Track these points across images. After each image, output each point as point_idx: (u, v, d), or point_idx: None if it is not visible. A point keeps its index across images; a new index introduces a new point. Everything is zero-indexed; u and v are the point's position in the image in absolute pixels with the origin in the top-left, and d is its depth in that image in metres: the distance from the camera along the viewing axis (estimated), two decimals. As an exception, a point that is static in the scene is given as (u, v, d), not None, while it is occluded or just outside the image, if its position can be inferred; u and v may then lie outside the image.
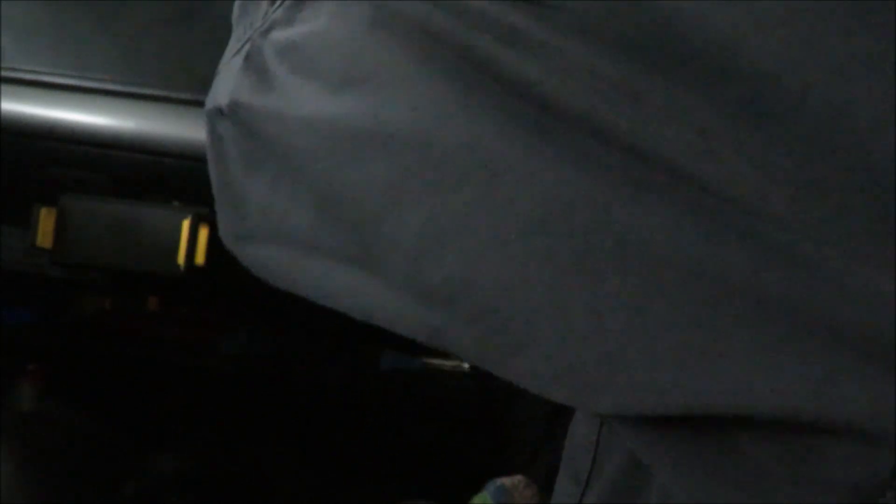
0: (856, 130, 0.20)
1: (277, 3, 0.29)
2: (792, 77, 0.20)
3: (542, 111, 0.22)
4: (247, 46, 0.31)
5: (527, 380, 0.25)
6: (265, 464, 1.02)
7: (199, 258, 0.73)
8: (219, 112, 0.33)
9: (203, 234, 0.73)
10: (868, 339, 0.20)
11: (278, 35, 0.29)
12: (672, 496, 0.31)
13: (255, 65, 0.30)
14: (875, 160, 0.20)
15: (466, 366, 1.01)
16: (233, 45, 0.33)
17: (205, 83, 0.75)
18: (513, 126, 0.22)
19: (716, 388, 0.21)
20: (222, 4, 0.77)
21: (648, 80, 0.21)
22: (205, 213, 0.73)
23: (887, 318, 0.20)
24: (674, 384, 0.22)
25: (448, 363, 1.00)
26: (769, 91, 0.21)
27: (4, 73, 0.73)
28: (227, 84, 0.32)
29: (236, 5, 0.34)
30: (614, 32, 0.22)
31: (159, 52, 0.74)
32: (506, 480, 0.73)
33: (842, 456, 0.21)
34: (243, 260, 0.35)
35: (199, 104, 0.73)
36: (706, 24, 0.21)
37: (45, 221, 0.73)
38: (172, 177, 0.76)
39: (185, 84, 0.73)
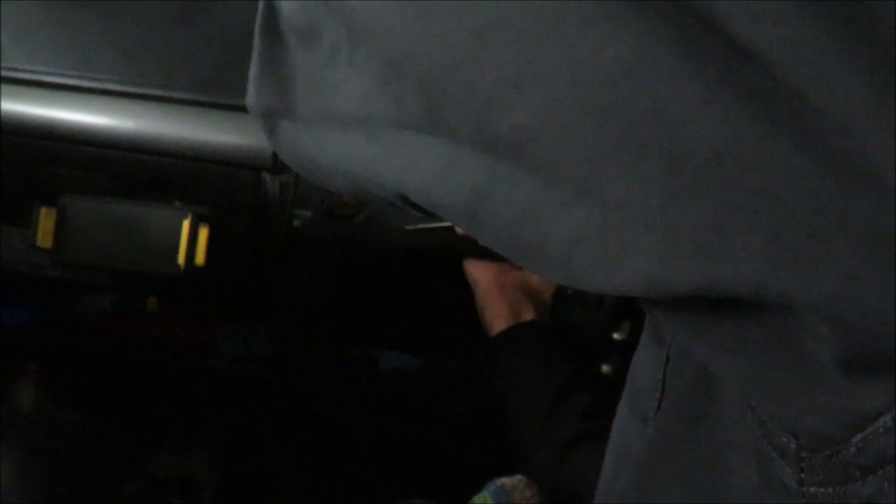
0: None
1: None
2: None
3: None
4: None
5: (566, 249, 0.25)
6: (265, 464, 1.02)
7: (199, 258, 0.73)
8: None
9: (203, 234, 0.73)
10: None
11: None
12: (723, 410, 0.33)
13: None
14: None
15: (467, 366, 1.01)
16: None
17: (205, 83, 0.76)
18: None
19: (728, 273, 0.23)
20: (223, 4, 0.77)
21: None
22: (205, 213, 0.74)
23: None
24: (692, 268, 0.23)
25: (447, 363, 1.00)
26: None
27: (4, 73, 0.73)
28: None
29: None
30: None
31: (160, 51, 0.74)
32: (506, 480, 0.73)
33: (816, 335, 0.23)
34: (271, 137, 0.35)
35: (200, 104, 0.74)
36: None
37: (45, 221, 0.73)
38: (172, 177, 0.76)
39: (186, 84, 0.74)
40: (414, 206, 0.31)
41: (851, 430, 0.24)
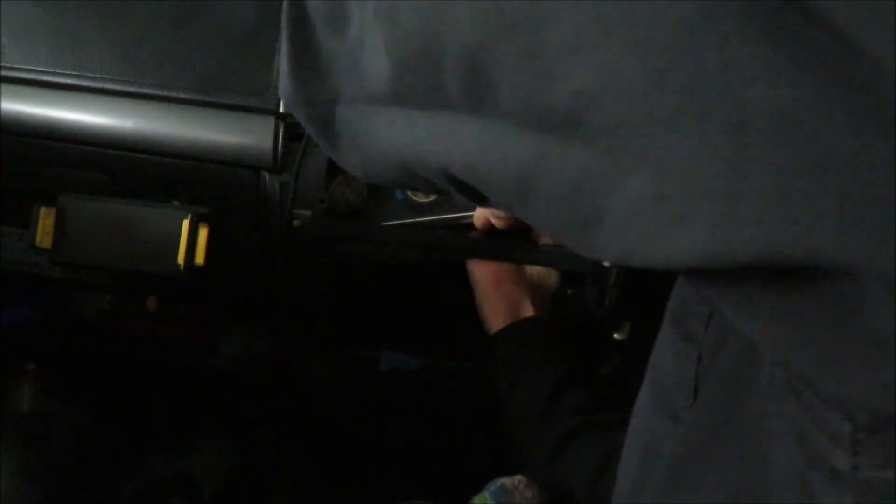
0: None
1: None
2: None
3: None
4: None
5: (623, 220, 0.24)
6: (265, 464, 1.02)
7: (199, 258, 0.73)
8: None
9: (203, 233, 0.73)
10: None
11: None
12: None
13: None
14: None
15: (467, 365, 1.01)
16: None
17: (205, 83, 0.75)
18: None
19: (793, 241, 0.22)
20: (222, 4, 0.77)
21: None
22: (205, 213, 0.74)
23: None
24: (755, 233, 0.22)
25: (447, 363, 1.00)
26: None
27: (4, 73, 0.73)
28: None
29: None
30: None
31: (160, 51, 0.74)
32: (506, 480, 0.73)
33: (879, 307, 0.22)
34: (311, 125, 0.35)
35: (199, 104, 0.74)
36: None
37: (45, 221, 0.73)
38: (172, 177, 0.76)
39: (185, 84, 0.73)
40: (462, 188, 0.30)
41: None
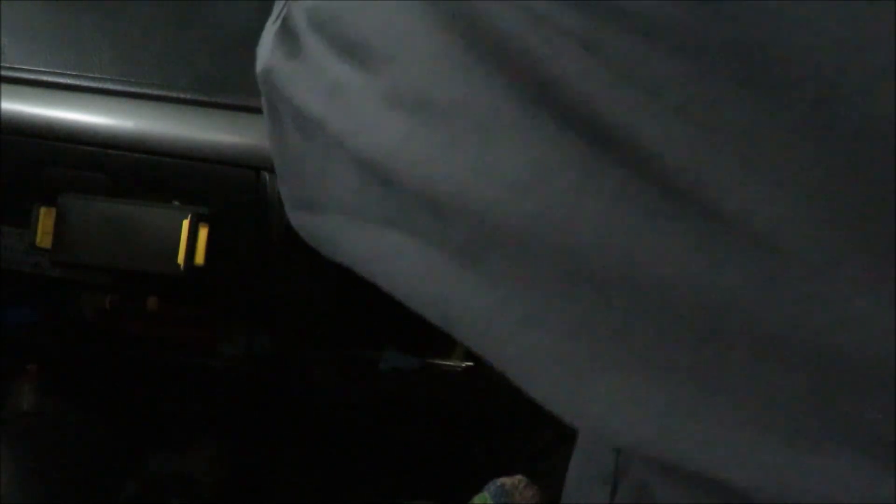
0: None
1: None
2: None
3: (538, 84, 0.21)
4: (283, 10, 0.31)
5: (524, 369, 0.24)
6: (265, 464, 1.02)
7: (199, 258, 0.73)
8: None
9: (203, 233, 0.73)
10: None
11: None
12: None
13: (288, 29, 0.30)
14: None
15: (464, 364, 1.01)
16: (274, 10, 0.33)
17: (205, 83, 0.75)
18: (506, 88, 0.22)
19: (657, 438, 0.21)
20: (222, 5, 0.77)
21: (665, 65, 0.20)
22: (205, 213, 0.74)
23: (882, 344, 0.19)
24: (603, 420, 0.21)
25: (447, 363, 1.00)
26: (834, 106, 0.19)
27: (4, 73, 0.73)
28: (265, 49, 0.33)
29: None
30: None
31: (159, 52, 0.74)
32: (506, 480, 0.73)
33: None
34: (299, 228, 0.36)
35: (199, 104, 0.74)
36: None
37: (45, 221, 0.73)
38: (172, 177, 0.76)
39: (185, 84, 0.73)
40: None
41: None
